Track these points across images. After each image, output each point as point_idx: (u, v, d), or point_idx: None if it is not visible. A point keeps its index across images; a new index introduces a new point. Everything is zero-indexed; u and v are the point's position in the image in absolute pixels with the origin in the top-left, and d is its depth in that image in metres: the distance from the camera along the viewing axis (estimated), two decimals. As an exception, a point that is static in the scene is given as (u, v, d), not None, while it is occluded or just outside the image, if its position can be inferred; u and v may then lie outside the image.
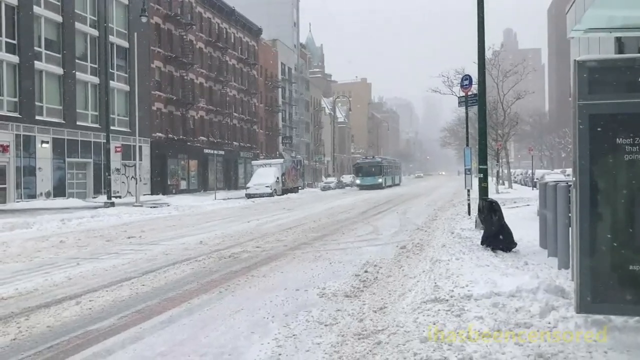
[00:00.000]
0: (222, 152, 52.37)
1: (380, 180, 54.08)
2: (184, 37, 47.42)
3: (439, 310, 5.89)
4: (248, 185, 41.56)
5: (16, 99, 30.18)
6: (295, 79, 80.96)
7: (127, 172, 39.33)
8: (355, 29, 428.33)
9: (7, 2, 29.47)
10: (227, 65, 56.27)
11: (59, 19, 33.18)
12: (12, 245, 13.13)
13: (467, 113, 18.30)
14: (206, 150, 49.99)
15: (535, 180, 40.72)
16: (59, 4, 33.21)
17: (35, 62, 31.29)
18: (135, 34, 35.31)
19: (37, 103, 31.51)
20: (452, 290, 6.53)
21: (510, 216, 13.18)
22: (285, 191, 41.97)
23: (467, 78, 17.14)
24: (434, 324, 5.42)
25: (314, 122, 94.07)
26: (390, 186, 58.09)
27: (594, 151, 4.88)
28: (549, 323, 5.20)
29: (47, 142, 32.19)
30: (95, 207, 26.18)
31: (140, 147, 36.55)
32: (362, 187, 52.63)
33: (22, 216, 20.48)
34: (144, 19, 32.90)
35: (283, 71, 74.99)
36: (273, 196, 38.43)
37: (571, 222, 5.58)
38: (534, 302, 5.73)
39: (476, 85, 18.16)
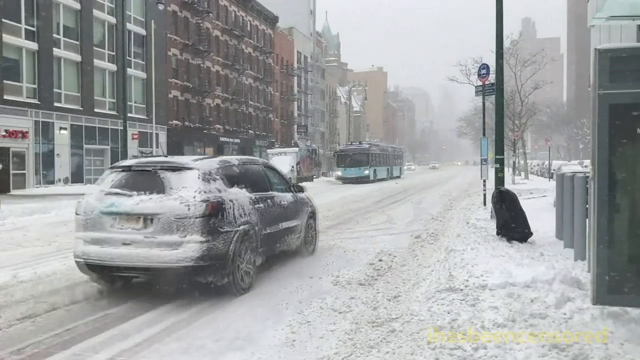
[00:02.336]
0: (237, 140, 52.53)
1: (367, 172, 43.49)
2: (201, 24, 47.46)
3: (453, 299, 5.87)
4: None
5: (35, 86, 30.48)
6: (311, 68, 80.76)
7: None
8: (372, 18, 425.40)
9: (26, -11, 29.70)
10: (243, 54, 56.25)
11: (77, 6, 33.35)
12: (32, 230, 13.34)
13: (484, 103, 18.13)
14: (222, 139, 50.15)
15: (552, 171, 40.33)
16: (77, -9, 33.40)
17: (54, 49, 31.53)
18: (153, 21, 35.42)
19: (55, 90, 31.80)
20: (467, 280, 6.51)
21: (526, 207, 13.02)
22: (299, 180, 42.01)
23: (485, 67, 16.96)
24: (448, 313, 5.41)
25: (330, 111, 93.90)
26: (383, 179, 46.91)
27: (614, 141, 4.81)
28: (565, 314, 5.17)
29: (66, 129, 32.51)
30: (112, 194, 26.38)
31: (157, 134, 36.78)
32: (345, 180, 42.98)
33: (40, 201, 20.75)
34: (161, 7, 32.94)
35: (299, 60, 74.83)
36: (288, 185, 38.43)
37: (588, 214, 5.53)
38: (550, 293, 5.69)
39: (494, 75, 18.02)
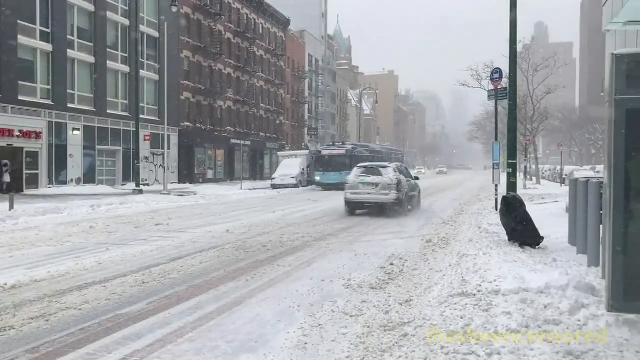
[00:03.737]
0: (248, 143, 52.64)
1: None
2: (213, 27, 47.68)
3: (466, 304, 5.85)
4: (274, 176, 41.67)
5: (49, 87, 30.76)
6: (322, 71, 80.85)
7: (156, 160, 39.85)
8: (384, 21, 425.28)
9: (41, -9, 30.02)
10: (255, 56, 56.42)
11: (92, 8, 33.65)
12: (45, 230, 13.45)
13: (496, 107, 18.07)
14: (233, 141, 50.30)
15: (564, 176, 40.04)
16: (91, -7, 33.70)
17: (68, 50, 31.82)
18: (166, 23, 35.60)
19: (69, 91, 32.08)
20: (480, 285, 6.48)
21: (538, 212, 13.02)
22: (310, 182, 42.00)
23: (498, 72, 16.91)
24: (461, 318, 5.39)
25: (340, 114, 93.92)
26: None
27: (630, 147, 4.78)
28: (579, 321, 5.13)
29: (79, 130, 32.78)
30: (124, 194, 26.61)
31: (168, 136, 36.93)
32: (324, 187, 36.82)
33: (53, 201, 20.92)
34: (174, 9, 33.12)
35: (310, 62, 74.93)
36: (298, 187, 38.50)
37: (603, 220, 5.48)
38: (564, 299, 5.65)
39: (506, 79, 17.94)
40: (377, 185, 16.79)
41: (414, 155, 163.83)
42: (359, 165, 18.95)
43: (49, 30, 30.52)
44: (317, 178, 38.22)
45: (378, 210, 17.08)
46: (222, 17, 48.83)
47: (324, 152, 39.13)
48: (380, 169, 17.58)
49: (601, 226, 6.34)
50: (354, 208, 17.53)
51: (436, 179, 60.68)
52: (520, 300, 5.77)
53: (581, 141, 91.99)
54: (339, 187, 33.42)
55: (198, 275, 8.02)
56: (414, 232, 13.16)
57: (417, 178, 19.55)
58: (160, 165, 39.24)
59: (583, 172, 35.38)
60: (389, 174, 17.10)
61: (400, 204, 16.71)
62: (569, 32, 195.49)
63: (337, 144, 43.90)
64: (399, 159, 51.74)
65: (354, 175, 17.39)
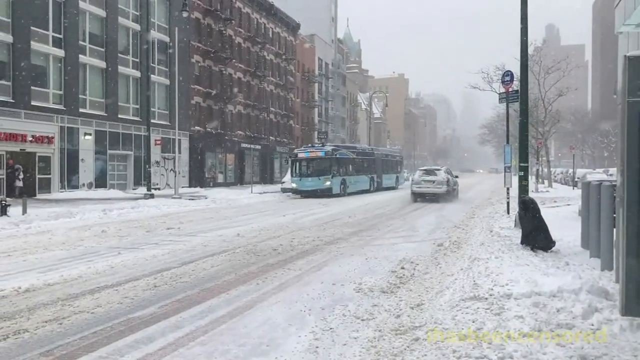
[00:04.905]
0: (258, 147, 52.78)
1: (328, 183, 32.40)
2: (224, 32, 47.90)
3: (478, 308, 5.82)
4: (284, 180, 41.65)
5: (61, 92, 31.03)
6: (332, 74, 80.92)
7: (166, 164, 40.05)
8: (394, 24, 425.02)
9: (54, -2, 30.35)
10: (265, 60, 56.59)
11: (103, 13, 33.94)
12: (57, 234, 13.56)
13: (507, 110, 17.98)
14: (243, 144, 50.44)
15: (576, 179, 39.77)
16: (103, -1, 34.02)
17: (80, 55, 32.11)
18: (176, 28, 35.81)
19: (80, 96, 32.34)
20: (492, 289, 6.45)
21: (550, 215, 12.92)
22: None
23: (509, 74, 16.82)
24: (473, 321, 5.36)
25: (350, 117, 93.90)
26: (362, 192, 36.28)
27: (644, 149, 4.74)
28: (592, 325, 5.09)
29: (90, 134, 33.02)
30: (135, 199, 26.75)
31: (179, 140, 37.08)
32: (302, 194, 32.70)
33: (65, 206, 21.08)
34: (185, 14, 33.36)
35: (320, 66, 75.03)
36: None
37: (616, 223, 5.44)
38: (577, 303, 5.61)
39: (517, 82, 17.86)
40: (433, 182, 25.80)
41: (424, 158, 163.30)
42: (420, 168, 28.66)
43: (61, 36, 30.82)
44: (294, 184, 33.42)
45: (434, 198, 25.71)
46: (233, 21, 49.05)
47: (300, 155, 34.04)
48: (435, 171, 26.78)
49: (614, 229, 6.29)
50: (417, 197, 26.26)
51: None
52: (532, 304, 5.73)
53: (593, 144, 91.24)
54: (318, 193, 31.96)
55: (209, 279, 8.05)
56: (425, 235, 13.12)
57: (457, 177, 29.73)
58: (171, 170, 39.41)
59: (595, 175, 35.15)
60: (441, 174, 26.24)
61: (449, 194, 25.97)
62: (580, 34, 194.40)
63: (316, 144, 38.25)
64: (397, 163, 46.95)
65: (417, 175, 26.78)
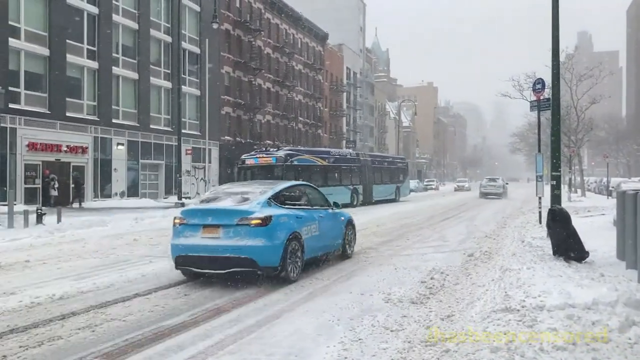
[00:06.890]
0: (287, 156, 52.96)
1: None
2: (253, 42, 48.41)
3: (509, 320, 5.71)
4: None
5: (95, 103, 31.73)
6: (360, 84, 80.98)
7: (197, 173, 40.53)
8: (423, 33, 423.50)
9: (89, 12, 31.10)
10: (294, 70, 56.96)
11: (135, 26, 34.65)
12: (90, 242, 13.82)
13: (539, 118, 17.70)
14: (272, 154, 50.63)
15: (610, 188, 38.85)
16: (135, 12, 34.71)
17: (113, 67, 32.82)
18: (207, 40, 36.37)
19: (113, 107, 33.02)
20: (524, 300, 6.32)
21: (583, 225, 12.67)
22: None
23: (540, 82, 16.55)
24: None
25: (378, 126, 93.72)
26: (345, 206, 25.08)
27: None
28: (630, 339, 4.94)
29: (123, 145, 33.65)
30: (166, 207, 27.11)
31: (209, 149, 37.58)
32: None
33: (98, 214, 21.47)
34: (215, 26, 33.83)
35: (348, 75, 75.17)
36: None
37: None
38: (613, 316, 5.46)
39: (549, 90, 17.56)
40: (494, 185, 42.73)
41: (454, 167, 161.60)
42: (486, 177, 42.10)
43: (95, 49, 31.56)
44: None
45: (495, 197, 40.51)
46: (262, 32, 49.53)
47: (248, 162, 27.15)
48: (495, 179, 43.87)
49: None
50: (484, 196, 41.52)
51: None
52: (566, 317, 5.60)
53: (629, 152, 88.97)
54: None
55: (239, 288, 8.08)
56: (455, 245, 12.97)
57: (507, 183, 44.96)
58: (202, 179, 39.89)
59: (631, 184, 34.23)
60: (499, 181, 43.66)
61: (503, 194, 42.28)
62: (614, 40, 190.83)
63: (271, 149, 29.71)
64: (398, 170, 40.32)
65: (484, 181, 43.26)
